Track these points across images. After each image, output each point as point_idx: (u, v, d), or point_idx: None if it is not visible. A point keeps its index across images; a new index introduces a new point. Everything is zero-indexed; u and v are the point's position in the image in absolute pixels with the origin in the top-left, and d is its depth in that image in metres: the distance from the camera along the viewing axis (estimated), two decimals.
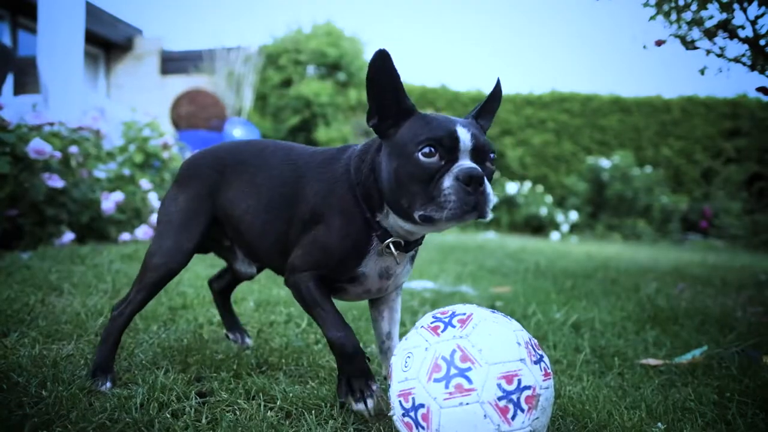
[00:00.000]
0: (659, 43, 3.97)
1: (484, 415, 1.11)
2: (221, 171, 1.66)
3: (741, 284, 4.63)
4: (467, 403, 1.12)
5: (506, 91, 16.11)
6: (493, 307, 2.97)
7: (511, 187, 13.70)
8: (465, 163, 1.27)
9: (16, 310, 2.16)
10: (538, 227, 13.46)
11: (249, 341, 2.00)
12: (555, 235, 12.94)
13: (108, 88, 14.23)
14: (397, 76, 1.31)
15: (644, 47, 4.02)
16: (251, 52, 11.12)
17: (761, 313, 3.20)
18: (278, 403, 1.50)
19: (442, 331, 1.23)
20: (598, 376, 1.98)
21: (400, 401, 1.22)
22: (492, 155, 1.34)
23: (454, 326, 1.23)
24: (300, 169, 1.53)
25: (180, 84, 11.99)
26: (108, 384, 1.51)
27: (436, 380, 1.16)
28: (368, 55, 12.68)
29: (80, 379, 1.50)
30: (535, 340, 1.31)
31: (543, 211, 13.36)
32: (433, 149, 1.26)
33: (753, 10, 4.50)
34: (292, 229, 1.51)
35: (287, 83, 11.66)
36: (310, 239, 1.45)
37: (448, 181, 1.24)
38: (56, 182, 4.11)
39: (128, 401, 1.40)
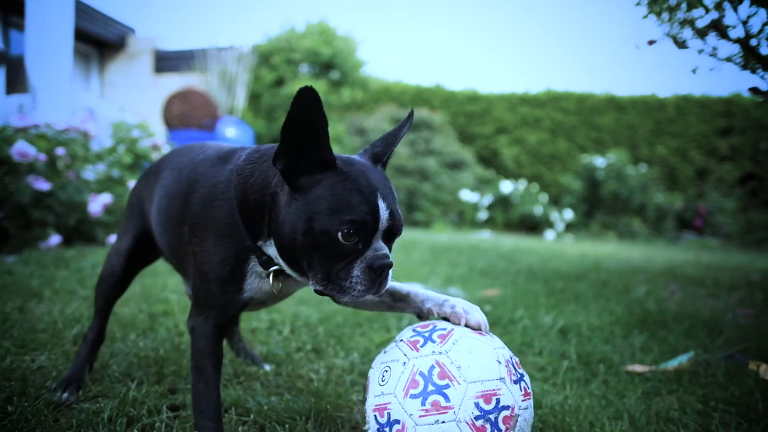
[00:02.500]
0: (651, 42, 3.95)
1: None
2: (149, 176, 1.61)
3: (733, 285, 4.61)
4: (443, 422, 1.10)
5: (501, 89, 16.10)
6: (483, 312, 2.93)
7: (506, 186, 13.70)
8: (378, 247, 1.18)
9: None
10: (533, 226, 13.45)
11: (267, 367, 1.90)
12: (550, 234, 12.93)
13: (101, 87, 14.16)
14: (324, 120, 1.11)
15: (637, 47, 4.01)
16: (244, 52, 11.06)
17: (751, 316, 3.18)
18: (252, 417, 1.46)
19: (422, 346, 1.20)
20: (582, 384, 1.95)
21: (375, 416, 1.19)
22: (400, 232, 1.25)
23: (434, 341, 1.21)
24: (192, 174, 1.36)
25: (174, 83, 11.91)
26: (65, 395, 1.47)
27: (413, 396, 1.13)
28: (362, 54, 12.63)
29: (48, 393, 1.47)
30: (517, 359, 1.28)
31: (538, 209, 13.35)
32: (353, 231, 1.13)
33: (744, 9, 4.47)
34: (182, 247, 1.35)
35: (280, 82, 11.61)
36: (191, 266, 1.31)
37: (358, 269, 1.15)
38: (42, 185, 4.07)
39: (96, 416, 1.36)
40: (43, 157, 3.87)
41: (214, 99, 10.28)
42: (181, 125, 9.75)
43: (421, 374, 1.15)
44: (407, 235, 9.48)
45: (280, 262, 1.22)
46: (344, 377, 1.81)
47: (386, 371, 1.22)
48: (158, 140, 5.83)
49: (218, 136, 9.94)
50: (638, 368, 2.11)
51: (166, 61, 13.27)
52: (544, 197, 13.90)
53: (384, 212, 1.15)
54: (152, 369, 1.76)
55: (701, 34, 3.79)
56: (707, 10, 3.53)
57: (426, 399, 1.12)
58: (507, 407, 1.13)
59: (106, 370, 1.73)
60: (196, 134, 9.67)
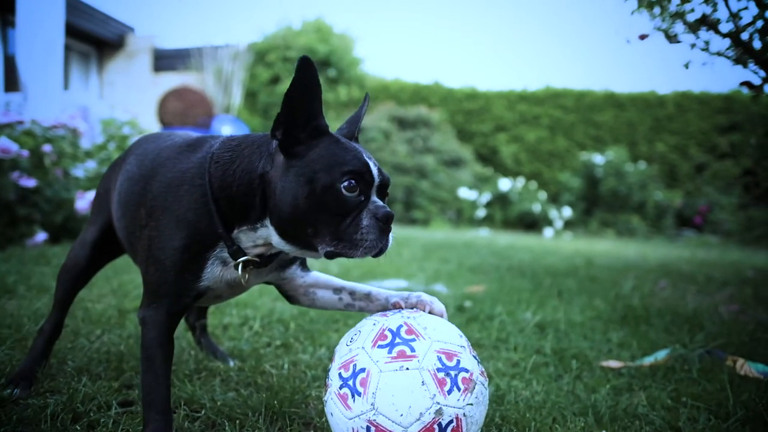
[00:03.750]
0: (643, 37, 3.90)
1: (422, 382, 1.13)
2: (116, 165, 1.58)
3: (725, 281, 4.57)
4: (407, 368, 1.15)
5: (500, 87, 16.04)
6: (461, 307, 2.90)
7: (505, 184, 13.64)
8: (377, 201, 1.22)
9: None
10: (532, 224, 13.39)
11: (231, 362, 1.87)
12: (548, 232, 12.88)
13: (101, 86, 14.17)
14: (319, 90, 1.18)
15: (628, 41, 3.97)
16: (240, 50, 11.04)
17: (738, 311, 3.13)
18: (204, 413, 1.43)
19: (391, 315, 1.29)
20: (553, 379, 1.91)
21: (340, 373, 1.22)
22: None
23: (401, 312, 1.30)
24: (157, 159, 1.35)
25: (172, 81, 11.90)
26: (16, 391, 1.44)
27: (380, 346, 1.20)
28: (359, 52, 12.60)
29: None
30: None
31: (536, 207, 13.29)
32: (355, 183, 1.17)
33: (734, 3, 4.40)
34: (137, 231, 1.32)
35: (276, 80, 11.58)
36: (144, 251, 1.28)
37: (367, 220, 1.18)
38: (28, 182, 4.04)
39: (41, 412, 1.33)
40: (26, 153, 3.84)
41: (209, 97, 10.26)
42: (177, 123, 9.73)
43: (390, 330, 1.22)
44: (402, 232, 9.45)
45: (274, 239, 1.22)
46: (306, 373, 1.78)
47: (356, 334, 1.27)
48: None
49: (213, 133, 9.92)
50: (613, 364, 2.07)
51: (165, 60, 13.27)
52: (542, 195, 13.84)
53: (374, 168, 1.21)
54: (112, 364, 1.73)
55: (692, 28, 3.74)
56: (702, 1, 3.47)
57: (393, 348, 1.17)
58: (466, 370, 1.19)
59: (63, 365, 1.70)
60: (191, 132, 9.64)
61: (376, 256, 1.22)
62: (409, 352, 1.17)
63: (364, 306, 1.42)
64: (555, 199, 14.18)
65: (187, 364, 1.79)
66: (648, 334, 2.50)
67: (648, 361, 2.09)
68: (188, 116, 9.73)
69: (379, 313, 1.34)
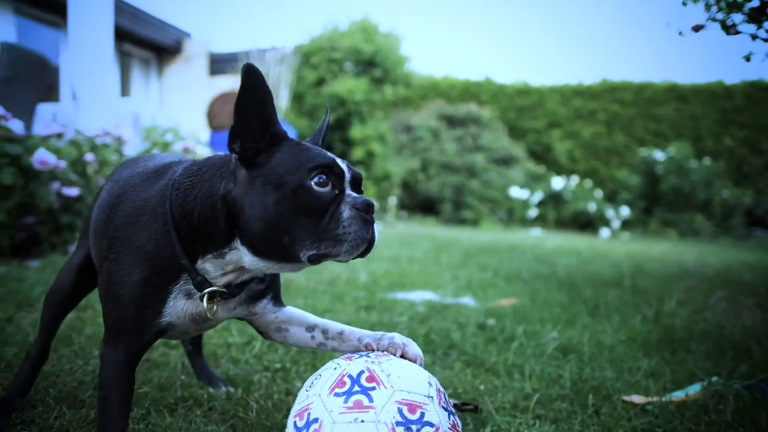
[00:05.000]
0: (697, 28, 3.61)
1: None
2: (99, 191, 1.54)
3: None
4: (363, 420, 1.05)
5: (553, 81, 15.53)
6: (482, 325, 2.75)
7: (558, 182, 13.19)
8: (353, 193, 1.18)
9: None
10: (587, 223, 12.89)
11: (222, 389, 1.81)
12: (605, 232, 12.36)
13: (160, 90, 14.74)
14: (270, 95, 1.15)
15: (680, 33, 3.69)
16: (286, 52, 11.15)
17: None
18: None
19: (356, 358, 1.19)
20: (566, 417, 1.74)
21: (295, 422, 1.13)
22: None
23: (368, 356, 1.19)
24: (124, 186, 1.29)
25: (227, 84, 12.15)
26: None
27: (337, 395, 1.10)
28: (405, 50, 12.46)
29: None
30: (451, 402, 1.24)
31: (591, 206, 12.78)
32: (325, 177, 1.13)
33: None
34: (99, 263, 1.28)
35: (322, 82, 11.64)
36: (103, 285, 1.22)
37: (347, 212, 1.12)
38: (70, 191, 4.18)
39: None
40: (63, 164, 3.96)
41: None
42: (225, 127, 9.92)
43: (350, 376, 1.12)
44: (446, 233, 9.28)
45: (247, 260, 1.16)
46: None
47: (316, 378, 1.19)
48: (189, 143, 5.91)
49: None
50: (636, 399, 1.87)
51: (219, 64, 13.62)
52: (598, 193, 13.29)
53: (342, 163, 1.18)
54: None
55: (752, 18, 3.43)
56: None
57: (349, 398, 1.08)
58: (431, 424, 1.07)
59: (49, 390, 1.68)
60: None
61: (364, 254, 1.15)
62: (366, 402, 1.07)
63: (337, 346, 1.33)
64: (612, 198, 13.59)
65: (173, 390, 1.74)
66: (685, 362, 2.26)
67: (677, 396, 1.88)
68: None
69: (345, 355, 1.24)
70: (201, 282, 1.18)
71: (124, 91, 14.21)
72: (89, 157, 4.62)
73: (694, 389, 1.91)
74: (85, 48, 6.53)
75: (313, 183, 1.11)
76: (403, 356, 1.24)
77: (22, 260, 3.84)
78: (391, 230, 9.70)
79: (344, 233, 1.10)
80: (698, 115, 13.86)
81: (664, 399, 1.86)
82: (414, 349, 1.25)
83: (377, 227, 1.17)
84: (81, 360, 1.97)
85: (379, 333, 1.29)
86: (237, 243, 1.15)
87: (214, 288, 1.19)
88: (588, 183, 13.47)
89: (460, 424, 1.17)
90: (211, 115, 10.09)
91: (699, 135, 13.82)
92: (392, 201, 12.35)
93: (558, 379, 2.04)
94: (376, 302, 3.27)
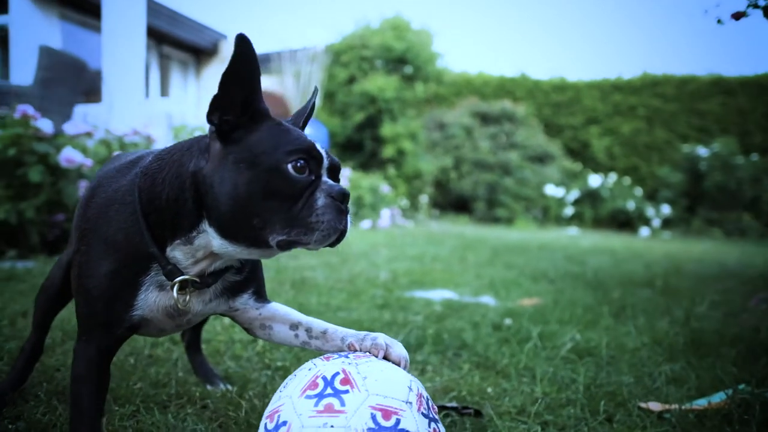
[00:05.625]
0: (737, 16, 3.42)
1: None
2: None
3: None
4: (332, 426, 0.98)
5: (591, 76, 15.14)
6: (499, 326, 2.65)
7: (595, 180, 12.83)
8: (330, 180, 1.14)
9: None
10: (625, 222, 12.50)
11: (220, 387, 1.77)
12: (644, 231, 11.95)
13: (198, 90, 15.05)
14: (258, 70, 1.10)
15: (719, 22, 3.50)
16: (317, 51, 11.19)
17: None
18: None
19: (334, 359, 1.12)
20: (575, 423, 1.64)
21: (265, 424, 1.08)
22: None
23: (347, 357, 1.12)
24: (99, 180, 1.27)
25: (270, 86, 12.30)
26: None
27: (308, 397, 1.03)
28: (437, 47, 12.33)
29: None
30: (434, 406, 1.15)
31: (630, 204, 12.38)
32: (303, 162, 1.08)
33: None
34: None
35: (353, 80, 11.63)
36: (75, 279, 1.19)
37: (321, 200, 1.08)
38: None
39: None
40: (90, 162, 4.04)
41: (285, 100, 10.50)
42: None
43: (324, 378, 1.05)
44: (476, 232, 9.13)
45: (215, 243, 1.10)
46: None
47: (291, 379, 1.13)
48: None
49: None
50: (654, 406, 1.75)
51: None
52: (638, 191, 12.86)
53: (321, 149, 1.13)
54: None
55: None
56: None
57: (320, 401, 1.02)
58: None
59: (50, 383, 1.68)
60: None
61: (334, 244, 1.11)
62: (337, 407, 1.00)
63: (321, 345, 1.26)
64: (652, 196, 13.14)
65: (168, 387, 1.72)
66: (713, 367, 2.11)
67: (699, 404, 1.74)
68: None
69: (325, 355, 1.17)
70: (171, 271, 1.13)
71: (164, 92, 14.58)
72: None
73: (718, 398, 1.78)
74: (118, 50, 6.69)
75: (289, 166, 1.06)
76: (386, 358, 1.17)
77: (50, 256, 3.93)
78: (421, 229, 9.61)
79: (317, 221, 1.06)
80: (745, 109, 13.24)
81: (684, 407, 1.73)
82: (398, 350, 1.18)
83: (349, 218, 1.12)
84: None
85: (362, 333, 1.22)
86: (205, 225, 1.10)
87: (186, 277, 1.14)
88: (626, 180, 13.05)
89: (441, 431, 1.09)
90: None
91: (746, 130, 13.20)
92: (423, 199, 12.25)
93: (571, 383, 1.93)
94: (393, 301, 3.20)
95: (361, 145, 12.15)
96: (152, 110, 7.64)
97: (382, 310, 2.97)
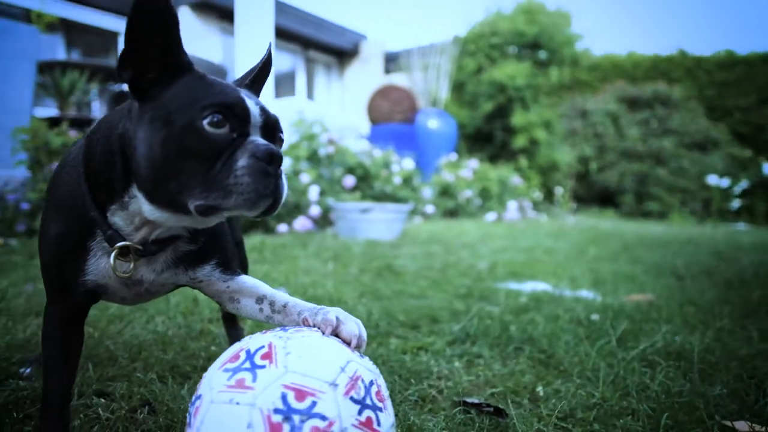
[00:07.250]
0: None
1: (248, 425, 0.85)
2: None
3: None
4: (237, 402, 0.88)
5: (766, 47, 12.95)
6: (583, 321, 2.33)
7: None
8: (259, 139, 1.02)
9: None
10: None
11: None
12: None
13: (342, 91, 15.80)
14: (175, 18, 0.99)
15: None
16: (446, 43, 11.03)
17: None
18: (166, 411, 1.35)
19: (271, 332, 1.03)
20: None
21: (193, 396, 1.01)
22: (281, 134, 1.09)
23: (285, 330, 1.02)
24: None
25: (401, 81, 12.52)
26: (27, 370, 1.55)
27: (225, 370, 0.95)
28: (576, 27, 11.47)
29: (7, 365, 1.56)
30: (386, 393, 1.00)
31: None
32: (221, 117, 0.97)
33: None
34: None
35: (480, 70, 11.28)
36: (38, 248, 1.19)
37: (243, 160, 0.97)
38: None
39: (14, 394, 1.40)
40: None
41: (413, 93, 10.52)
42: (383, 120, 10.20)
43: (247, 351, 0.96)
44: (613, 225, 8.31)
45: (146, 208, 1.04)
46: None
47: (226, 352, 1.04)
48: (333, 135, 6.12)
49: (419, 128, 10.16)
50: (741, 426, 1.38)
51: (393, 62, 14.13)
52: None
53: (253, 105, 1.01)
54: (115, 354, 1.77)
55: None
56: None
57: (234, 375, 0.92)
58: (323, 417, 0.86)
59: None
60: (397, 128, 10.05)
61: (268, 212, 0.99)
62: (248, 382, 0.89)
63: (281, 319, 1.15)
64: None
65: (196, 360, 1.74)
66: None
67: None
68: (393, 113, 10.11)
69: (263, 331, 1.07)
70: (112, 236, 1.09)
71: (309, 94, 15.52)
72: None
73: None
74: (250, 53, 7.16)
75: (205, 123, 0.95)
76: (337, 335, 1.03)
77: None
78: (553, 222, 9.01)
79: (235, 184, 0.95)
80: None
81: None
82: (350, 327, 1.03)
83: (285, 182, 1.00)
84: (118, 325, 2.08)
85: (318, 307, 1.10)
86: (135, 189, 1.04)
87: (125, 243, 1.09)
88: None
89: (380, 421, 0.92)
90: (370, 110, 10.45)
91: None
92: (558, 191, 11.48)
93: (641, 390, 1.60)
94: (477, 291, 2.99)
95: (491, 136, 11.73)
96: (281, 107, 8.07)
97: (461, 300, 2.78)
